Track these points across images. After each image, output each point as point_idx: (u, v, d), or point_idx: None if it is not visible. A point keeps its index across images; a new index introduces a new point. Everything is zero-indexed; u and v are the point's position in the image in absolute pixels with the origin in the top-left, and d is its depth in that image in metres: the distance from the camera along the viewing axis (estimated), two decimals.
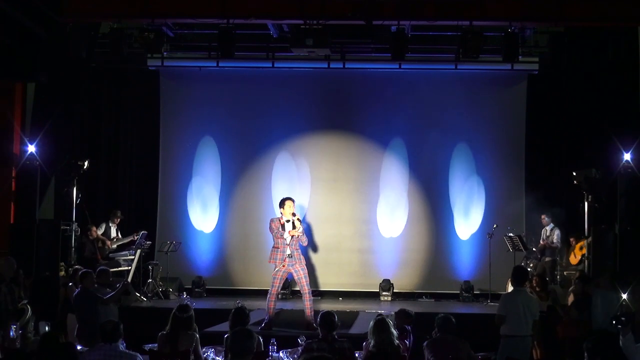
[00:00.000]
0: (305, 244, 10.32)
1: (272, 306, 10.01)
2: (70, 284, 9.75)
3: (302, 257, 10.13)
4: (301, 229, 10.03)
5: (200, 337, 6.99)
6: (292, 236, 9.97)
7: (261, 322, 9.94)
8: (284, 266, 9.96)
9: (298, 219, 10.05)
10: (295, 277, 10.19)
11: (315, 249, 13.04)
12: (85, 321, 8.55)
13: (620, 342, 7.41)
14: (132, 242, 12.54)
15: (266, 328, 9.75)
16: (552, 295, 9.04)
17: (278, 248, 9.99)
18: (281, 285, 10.27)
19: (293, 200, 10.21)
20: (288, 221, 10.00)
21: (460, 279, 13.02)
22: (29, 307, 8.44)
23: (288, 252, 9.93)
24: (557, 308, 8.43)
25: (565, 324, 8.28)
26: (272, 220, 10.13)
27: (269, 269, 13.02)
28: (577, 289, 8.91)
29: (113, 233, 12.69)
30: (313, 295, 10.68)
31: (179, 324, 6.84)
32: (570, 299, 9.08)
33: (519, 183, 13.30)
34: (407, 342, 7.55)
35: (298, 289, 10.82)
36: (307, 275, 10.11)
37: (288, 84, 13.59)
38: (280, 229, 9.97)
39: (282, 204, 10.17)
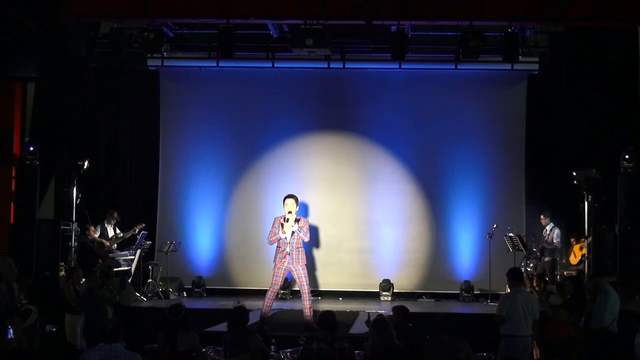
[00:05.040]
0: (306, 240, 10.26)
1: (269, 304, 10.05)
2: (68, 284, 9.74)
3: (303, 257, 10.12)
4: (296, 227, 9.99)
5: (200, 337, 7.00)
6: (293, 233, 9.97)
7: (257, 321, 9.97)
8: (283, 263, 9.98)
9: (291, 217, 10.02)
10: (295, 276, 10.23)
11: (315, 249, 13.04)
12: (92, 321, 8.55)
13: (636, 340, 7.43)
14: (133, 240, 12.53)
15: (260, 326, 9.75)
16: (545, 295, 8.99)
17: (279, 247, 10.04)
18: (281, 283, 10.26)
19: (293, 197, 10.18)
20: (289, 220, 10.02)
21: (460, 279, 13.02)
22: (35, 307, 8.44)
23: (287, 250, 9.94)
24: (546, 309, 8.38)
25: (555, 324, 8.25)
26: (274, 220, 10.18)
27: (269, 269, 12.99)
28: (567, 290, 8.82)
29: (110, 233, 12.66)
30: (313, 295, 10.70)
31: (175, 324, 6.84)
32: (569, 286, 8.90)
33: (519, 183, 13.30)
34: (408, 335, 7.53)
35: (297, 288, 10.82)
36: (306, 275, 10.14)
37: (288, 84, 13.59)
38: (279, 227, 9.99)
39: (283, 201, 10.21)
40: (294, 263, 10.00)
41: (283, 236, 9.98)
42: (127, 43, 11.56)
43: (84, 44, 11.03)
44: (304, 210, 12.85)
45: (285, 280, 12.40)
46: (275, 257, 10.15)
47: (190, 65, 13.55)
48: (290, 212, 10.04)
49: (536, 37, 12.65)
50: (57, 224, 11.51)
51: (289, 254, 9.95)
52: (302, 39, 10.64)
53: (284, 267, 10.04)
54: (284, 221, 10.03)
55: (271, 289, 10.11)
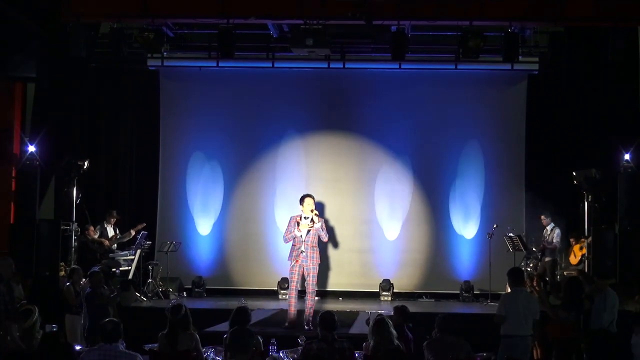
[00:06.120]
0: (325, 239, 10.28)
1: (292, 303, 10.05)
2: (68, 284, 9.73)
3: (317, 255, 10.12)
4: (319, 224, 10.03)
5: (200, 337, 6.99)
6: (308, 232, 9.97)
7: (262, 322, 9.99)
8: (297, 261, 9.98)
9: (316, 214, 10.05)
10: (304, 273, 10.16)
11: (324, 247, 12.95)
12: (92, 321, 8.54)
13: (632, 340, 7.44)
14: (133, 240, 12.52)
15: (290, 327, 9.81)
16: (545, 295, 8.98)
17: (294, 245, 10.07)
18: (299, 281, 10.21)
19: (312, 197, 10.18)
20: (307, 218, 10.01)
21: (460, 279, 13.02)
22: (35, 307, 8.44)
23: (302, 248, 9.95)
24: (546, 309, 8.38)
25: (555, 325, 8.25)
26: (290, 219, 10.20)
27: (269, 269, 13.13)
28: (565, 290, 8.78)
29: (110, 232, 12.64)
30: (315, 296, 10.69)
31: (175, 324, 6.83)
32: (566, 286, 8.86)
33: (519, 183, 13.30)
34: (409, 336, 7.52)
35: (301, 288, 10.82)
36: (315, 275, 10.11)
37: (288, 84, 13.58)
38: (295, 227, 10.00)
39: (301, 201, 10.21)
40: (308, 260, 9.99)
41: (298, 234, 9.99)
42: (127, 43, 11.56)
43: (84, 44, 11.05)
44: None
45: (285, 280, 12.40)
46: (290, 255, 10.12)
47: (190, 65, 13.55)
48: (312, 210, 10.04)
49: (536, 37, 12.65)
50: (57, 224, 11.50)
51: (303, 252, 9.97)
52: (302, 39, 10.65)
53: (298, 265, 10.02)
54: (303, 219, 10.02)
55: (290, 287, 10.14)
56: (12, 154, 11.89)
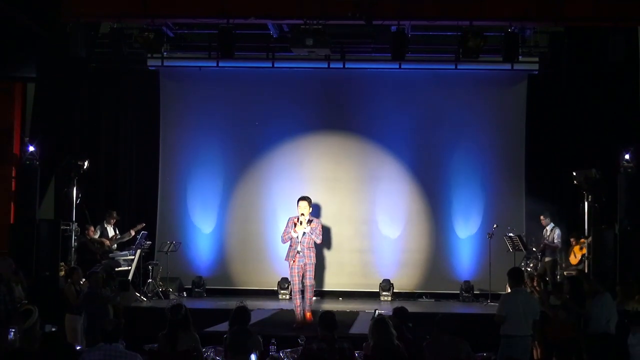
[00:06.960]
0: (318, 241, 10.30)
1: (298, 304, 10.10)
2: (68, 283, 9.72)
3: (313, 255, 10.18)
4: (308, 228, 10.05)
5: (200, 337, 6.99)
6: (304, 234, 9.99)
7: (262, 322, 9.98)
8: (294, 262, 10.01)
9: (308, 220, 10.06)
10: (302, 272, 10.18)
11: (324, 247, 12.97)
12: (92, 321, 8.55)
13: (629, 340, 7.45)
14: (133, 240, 12.53)
15: (298, 327, 9.81)
16: (545, 295, 8.97)
17: (292, 246, 10.12)
18: (300, 282, 10.23)
19: (306, 200, 10.23)
20: (302, 222, 10.04)
21: (460, 279, 13.02)
22: (35, 308, 8.44)
23: (298, 249, 9.98)
24: (546, 309, 8.37)
25: (555, 325, 8.24)
26: (288, 220, 10.26)
27: (269, 269, 13.14)
28: (565, 290, 8.77)
29: (111, 232, 12.65)
30: (314, 295, 10.68)
31: (175, 324, 6.84)
32: (567, 286, 8.87)
33: (519, 183, 13.30)
34: (409, 337, 7.51)
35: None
36: (312, 270, 10.18)
37: (288, 84, 13.58)
38: (292, 227, 10.03)
39: (297, 203, 10.24)
40: (305, 259, 10.08)
41: (295, 235, 10.04)
42: (127, 43, 11.56)
43: (84, 44, 11.04)
44: None
45: (285, 280, 12.41)
46: (287, 255, 10.19)
47: (190, 65, 13.55)
48: (302, 214, 10.07)
49: (536, 37, 12.66)
50: (57, 224, 11.51)
51: (299, 253, 10.01)
52: (302, 39, 10.65)
53: (296, 267, 10.08)
54: (298, 222, 10.04)
55: (293, 290, 10.23)
56: (12, 154, 11.89)
